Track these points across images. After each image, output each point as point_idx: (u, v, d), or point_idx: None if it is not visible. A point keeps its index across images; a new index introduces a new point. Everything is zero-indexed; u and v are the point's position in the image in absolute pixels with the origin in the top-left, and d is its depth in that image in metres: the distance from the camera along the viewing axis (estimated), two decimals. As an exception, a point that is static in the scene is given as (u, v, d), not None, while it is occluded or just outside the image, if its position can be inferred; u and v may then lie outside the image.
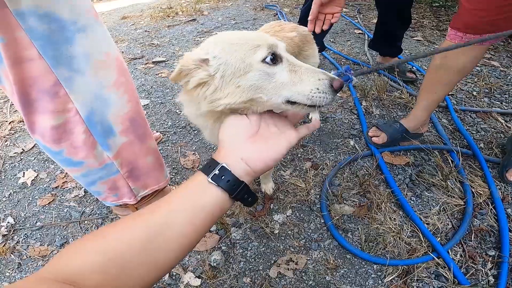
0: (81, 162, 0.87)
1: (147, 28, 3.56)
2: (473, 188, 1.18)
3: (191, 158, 1.46)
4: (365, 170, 1.32)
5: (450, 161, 1.28)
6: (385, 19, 1.90)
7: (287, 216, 1.16)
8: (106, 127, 0.85)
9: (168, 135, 1.64)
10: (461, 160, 1.27)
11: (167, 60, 2.58)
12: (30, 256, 1.11)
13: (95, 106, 0.81)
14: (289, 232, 1.11)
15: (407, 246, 1.02)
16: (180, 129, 1.68)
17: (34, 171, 1.48)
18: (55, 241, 1.15)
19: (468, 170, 1.27)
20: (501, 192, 1.18)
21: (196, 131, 1.64)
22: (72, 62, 0.73)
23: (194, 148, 1.54)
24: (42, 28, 0.66)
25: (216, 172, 0.47)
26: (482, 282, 0.92)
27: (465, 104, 1.71)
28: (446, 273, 0.93)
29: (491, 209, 1.11)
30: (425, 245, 1.01)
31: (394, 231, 1.05)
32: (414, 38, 2.73)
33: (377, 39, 2.03)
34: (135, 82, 2.25)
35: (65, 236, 1.17)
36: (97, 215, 1.24)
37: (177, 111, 1.85)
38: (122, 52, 2.86)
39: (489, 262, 0.96)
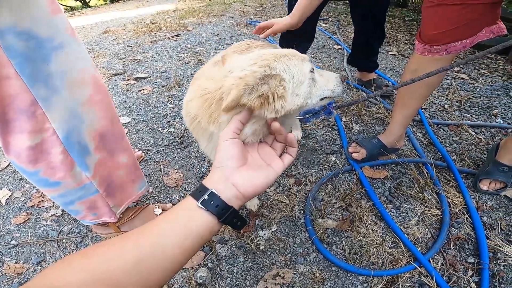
0: (58, 183, 0.86)
1: (129, 43, 3.54)
2: (449, 198, 1.23)
3: (174, 177, 1.45)
4: (346, 185, 1.35)
5: (425, 173, 1.34)
6: (361, 32, 1.99)
7: (272, 231, 1.16)
8: (82, 146, 0.85)
9: (151, 154, 1.62)
10: (435, 172, 1.33)
11: (150, 76, 2.56)
12: (5, 274, 1.07)
13: (72, 125, 0.81)
14: (275, 247, 1.11)
15: (389, 256, 1.05)
16: (163, 148, 1.67)
17: (9, 190, 1.43)
18: (31, 259, 1.12)
19: (443, 182, 1.32)
20: (476, 201, 1.24)
21: (179, 150, 1.63)
22: (49, 81, 0.73)
23: (177, 166, 1.52)
24: (20, 46, 0.66)
25: (206, 197, 0.49)
26: (465, 289, 0.95)
27: (437, 118, 1.80)
28: (429, 281, 0.95)
29: (467, 218, 1.16)
30: (407, 255, 1.04)
31: (376, 243, 1.07)
32: (389, 53, 2.86)
33: (354, 54, 2.12)
34: (116, 99, 2.21)
35: (42, 254, 1.13)
36: (76, 233, 1.21)
37: (159, 129, 1.83)
38: (103, 67, 2.82)
39: (469, 269, 1.00)
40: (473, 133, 1.63)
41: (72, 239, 1.18)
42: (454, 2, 0.99)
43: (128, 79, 2.52)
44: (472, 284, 0.96)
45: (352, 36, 2.11)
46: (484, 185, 1.27)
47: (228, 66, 0.67)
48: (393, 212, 1.21)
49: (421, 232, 1.12)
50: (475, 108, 1.87)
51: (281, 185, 1.36)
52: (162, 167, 1.52)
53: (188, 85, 2.34)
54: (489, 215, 1.18)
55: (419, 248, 1.07)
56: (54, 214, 1.29)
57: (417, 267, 1.00)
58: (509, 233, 1.11)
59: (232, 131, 0.56)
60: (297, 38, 1.90)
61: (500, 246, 1.05)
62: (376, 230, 1.13)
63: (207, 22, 4.38)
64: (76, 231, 1.22)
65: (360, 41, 2.03)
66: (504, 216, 1.18)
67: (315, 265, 1.04)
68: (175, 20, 4.54)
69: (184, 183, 1.42)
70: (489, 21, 1.05)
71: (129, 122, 1.92)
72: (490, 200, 1.24)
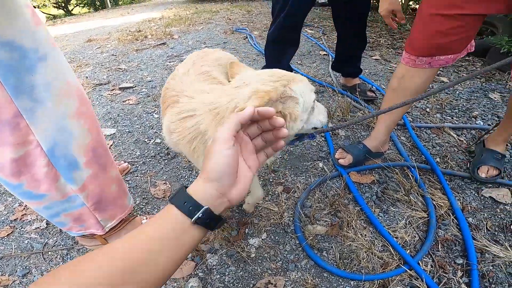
0: (43, 195, 0.85)
1: (114, 51, 3.50)
2: (434, 200, 1.25)
3: (162, 188, 1.43)
4: (334, 191, 1.36)
5: (410, 177, 1.36)
6: (343, 39, 2.04)
7: (262, 239, 1.16)
8: (70, 160, 0.83)
9: (137, 165, 1.59)
10: (420, 175, 1.36)
11: (135, 86, 2.53)
12: (-9, 286, 1.04)
13: (58, 138, 0.79)
14: (266, 255, 1.10)
15: (379, 260, 1.05)
16: (150, 159, 1.64)
17: (-9, 204, 1.39)
18: (16, 271, 1.10)
19: (428, 184, 1.35)
20: (460, 202, 1.26)
21: (166, 160, 1.61)
22: (33, 92, 0.72)
23: (164, 177, 1.50)
24: (4, 57, 0.64)
25: (200, 215, 0.48)
26: (457, 291, 0.95)
27: (420, 121, 1.84)
28: (420, 284, 0.96)
29: (453, 219, 1.18)
30: (396, 258, 1.05)
31: (366, 247, 1.08)
32: (372, 58, 2.93)
33: (338, 60, 2.16)
34: (100, 109, 2.17)
35: (27, 267, 1.11)
36: (61, 246, 1.18)
37: (146, 140, 1.81)
38: (86, 77, 2.77)
39: (458, 270, 1.01)
40: (455, 135, 1.67)
41: (58, 252, 1.16)
42: (452, 14, 1.00)
43: (113, 89, 2.48)
44: (463, 285, 0.96)
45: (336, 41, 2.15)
46: (482, 172, 1.31)
47: (241, 78, 0.69)
48: (381, 216, 1.23)
49: (409, 235, 1.13)
50: (456, 110, 1.93)
51: (270, 193, 1.36)
52: (149, 178, 1.49)
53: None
54: (474, 216, 1.20)
55: (408, 251, 1.08)
56: (38, 227, 1.27)
57: (407, 270, 1.00)
58: (495, 233, 1.13)
59: (231, 134, 0.49)
60: (283, 44, 1.93)
61: (487, 247, 1.06)
62: (365, 235, 1.14)
63: (193, 30, 4.39)
64: (62, 243, 1.19)
65: (343, 47, 2.07)
66: (489, 216, 1.20)
67: (307, 271, 1.04)
68: (161, 28, 4.53)
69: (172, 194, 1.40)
70: (473, 35, 1.09)
71: (114, 133, 1.88)
72: (474, 201, 1.27)
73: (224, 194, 0.50)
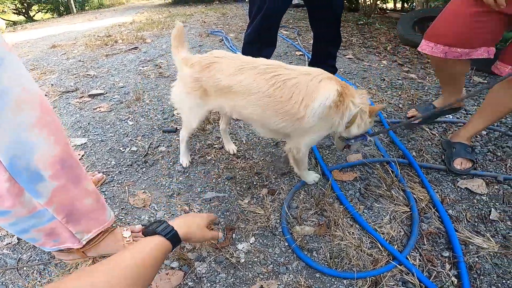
0: (7, 212, 0.79)
1: (81, 57, 3.33)
2: (414, 194, 1.28)
3: (141, 197, 1.35)
4: (319, 190, 1.35)
5: (390, 172, 1.38)
6: (319, 38, 2.07)
7: (250, 244, 1.12)
8: (33, 173, 0.77)
9: (113, 175, 1.50)
10: (399, 169, 1.39)
11: (106, 93, 2.40)
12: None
13: (18, 150, 0.73)
14: (255, 259, 1.07)
15: (369, 257, 1.05)
16: (126, 168, 1.55)
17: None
18: None
19: (407, 178, 1.38)
20: (439, 195, 1.29)
21: (144, 169, 1.54)
22: None
23: (143, 186, 1.42)
24: None
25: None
26: (447, 284, 0.96)
27: (394, 117, 1.90)
28: (412, 278, 0.96)
29: (434, 212, 1.21)
30: (385, 254, 1.05)
31: (355, 245, 1.08)
32: (346, 57, 3.01)
33: (314, 60, 2.19)
34: (69, 118, 2.04)
35: (3, 283, 1.04)
36: (37, 261, 1.10)
37: (121, 148, 1.71)
38: (52, 84, 2.60)
39: (446, 263, 1.02)
40: (428, 130, 1.74)
41: (34, 267, 1.08)
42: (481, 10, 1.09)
43: (82, 97, 2.34)
44: (453, 278, 0.97)
45: (312, 42, 2.18)
46: (457, 164, 1.38)
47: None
48: (366, 213, 1.23)
49: (394, 230, 1.14)
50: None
51: (255, 196, 1.33)
52: (126, 188, 1.41)
53: (150, 100, 2.22)
54: (453, 208, 1.24)
55: (395, 246, 1.09)
56: (9, 243, 1.18)
57: (397, 265, 1.01)
58: (476, 224, 1.17)
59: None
60: (260, 45, 1.92)
61: (470, 238, 1.09)
62: (353, 232, 1.14)
63: (167, 33, 4.28)
64: (37, 258, 1.11)
65: (318, 46, 2.11)
66: (467, 207, 1.24)
67: (299, 273, 1.02)
68: (133, 33, 4.38)
69: (153, 203, 1.32)
70: (495, 39, 1.17)
71: (85, 143, 1.76)
72: (452, 193, 1.31)
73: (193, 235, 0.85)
